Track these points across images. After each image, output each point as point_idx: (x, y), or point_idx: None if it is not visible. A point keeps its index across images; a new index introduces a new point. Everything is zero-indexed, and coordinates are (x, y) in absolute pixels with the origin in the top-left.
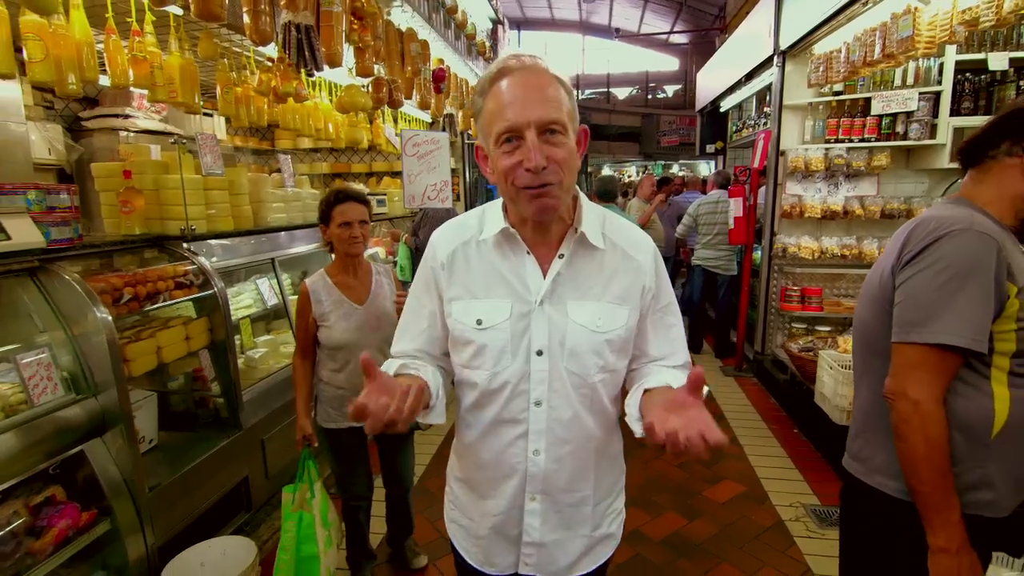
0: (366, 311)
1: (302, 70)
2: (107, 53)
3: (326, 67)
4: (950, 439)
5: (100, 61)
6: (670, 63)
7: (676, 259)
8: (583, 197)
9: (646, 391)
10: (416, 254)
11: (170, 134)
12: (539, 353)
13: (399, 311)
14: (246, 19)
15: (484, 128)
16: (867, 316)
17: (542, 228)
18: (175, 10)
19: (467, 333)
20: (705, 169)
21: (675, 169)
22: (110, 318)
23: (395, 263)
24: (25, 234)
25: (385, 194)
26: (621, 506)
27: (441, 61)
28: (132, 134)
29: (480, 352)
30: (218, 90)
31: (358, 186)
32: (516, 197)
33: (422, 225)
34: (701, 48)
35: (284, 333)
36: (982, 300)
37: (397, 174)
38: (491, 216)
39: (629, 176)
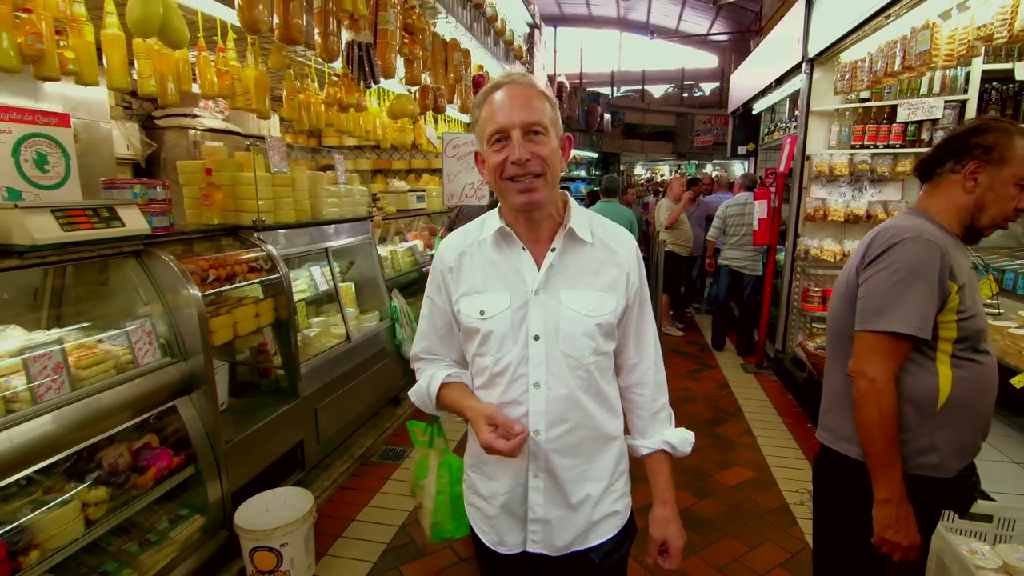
0: None
1: (361, 83)
2: (198, 67)
3: (382, 79)
4: (902, 411)
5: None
6: (708, 60)
7: (703, 258)
8: (572, 200)
9: (645, 456)
10: None
11: (232, 132)
12: (536, 338)
13: None
14: (317, 39)
15: (479, 133)
16: (837, 309)
17: (533, 224)
18: (230, 17)
19: (473, 323)
20: (740, 170)
21: (708, 169)
22: (199, 295)
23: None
24: (135, 222)
25: (424, 190)
26: (624, 487)
27: (481, 67)
28: (199, 132)
29: (486, 339)
30: (284, 96)
31: (399, 183)
32: (505, 191)
33: (457, 220)
34: (740, 46)
35: (334, 316)
36: (928, 296)
37: (435, 171)
38: (489, 220)
39: (662, 175)
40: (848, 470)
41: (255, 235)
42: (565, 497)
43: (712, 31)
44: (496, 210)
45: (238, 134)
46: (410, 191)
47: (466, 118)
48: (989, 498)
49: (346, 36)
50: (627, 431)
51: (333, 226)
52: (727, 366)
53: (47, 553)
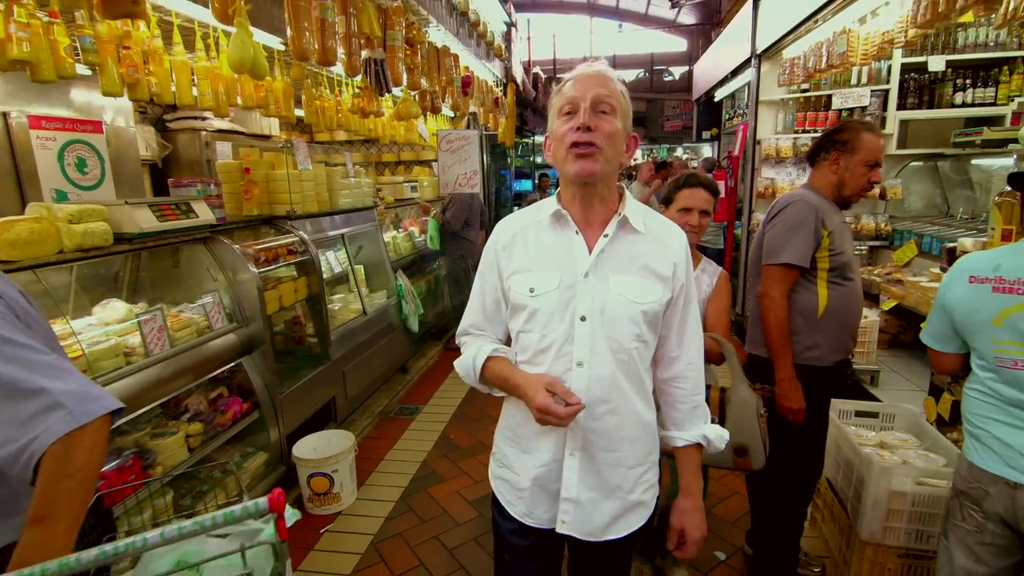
0: None
1: (375, 93)
2: (240, 83)
3: (394, 88)
4: (794, 320)
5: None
6: (678, 44)
7: None
8: (629, 194)
9: (676, 449)
10: (443, 229)
11: (238, 132)
12: (583, 319)
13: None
14: (342, 57)
15: (552, 113)
16: (755, 254)
17: (588, 204)
18: (278, 46)
19: (523, 299)
20: (708, 152)
21: (679, 152)
22: (257, 272)
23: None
24: (204, 213)
25: (416, 181)
26: (654, 479)
27: (467, 69)
28: (208, 133)
29: (533, 316)
30: (303, 101)
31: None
32: (564, 159)
33: (450, 206)
34: (708, 30)
35: (349, 294)
36: (807, 240)
37: (424, 162)
38: (547, 204)
39: (635, 159)
40: (761, 365)
41: (289, 223)
42: (599, 479)
43: (677, 21)
44: (555, 195)
45: (243, 133)
46: (405, 182)
47: (450, 112)
48: (877, 399)
49: (364, 54)
50: (660, 424)
51: (347, 215)
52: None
53: (166, 469)
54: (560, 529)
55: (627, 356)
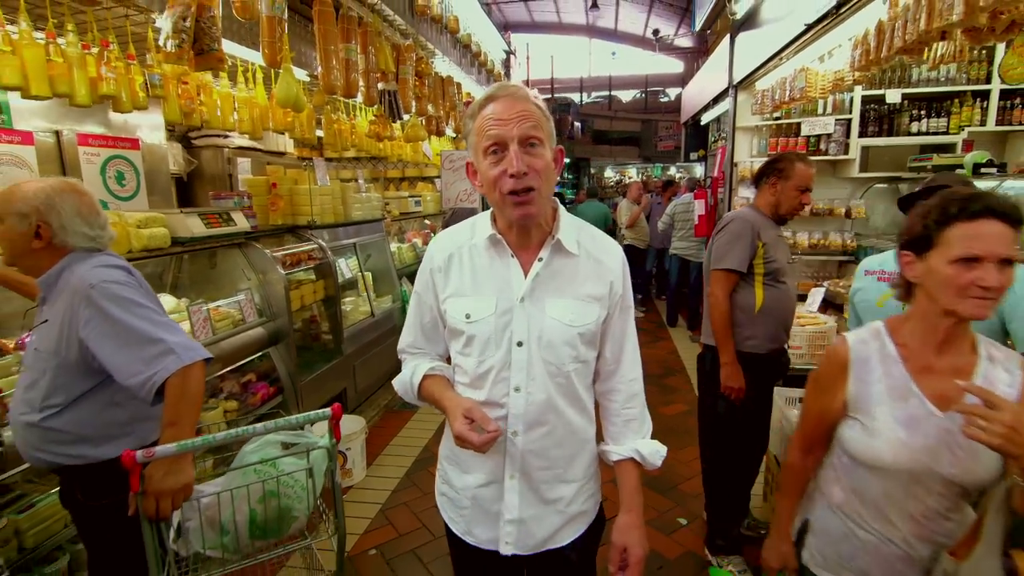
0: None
1: (388, 120)
2: (271, 110)
3: (405, 115)
4: (736, 314)
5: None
6: (675, 65)
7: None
8: (562, 209)
9: (615, 463)
10: None
11: (256, 149)
12: (519, 344)
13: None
14: (362, 89)
15: (474, 145)
16: (706, 261)
17: (524, 233)
18: (304, 77)
19: (459, 325)
20: (700, 172)
21: (672, 171)
22: (284, 274)
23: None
24: (241, 221)
25: (420, 196)
26: (595, 487)
27: (469, 95)
28: (229, 149)
29: (469, 342)
30: (323, 124)
31: (371, 195)
32: (502, 204)
33: (452, 220)
34: (702, 53)
35: (358, 298)
36: (744, 249)
37: (426, 179)
38: (481, 225)
39: (630, 177)
40: (711, 352)
41: (309, 232)
42: (539, 496)
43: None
44: (488, 215)
45: (260, 150)
46: (409, 196)
47: (452, 132)
48: None
49: (380, 86)
50: (600, 437)
51: (358, 226)
52: (678, 338)
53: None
54: (504, 551)
55: (565, 379)
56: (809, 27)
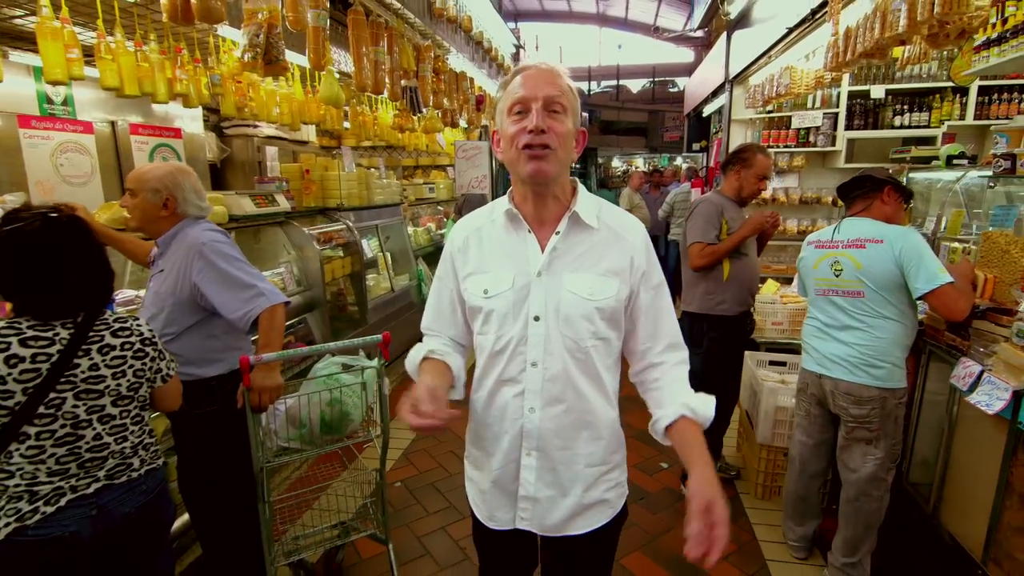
0: None
1: (410, 113)
2: (306, 105)
3: (424, 109)
4: (707, 283)
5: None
6: (685, 55)
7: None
8: (582, 188)
9: (667, 428)
10: None
11: (282, 138)
12: (536, 319)
13: None
14: (387, 85)
15: (501, 109)
16: (682, 239)
17: (540, 203)
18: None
19: (477, 301)
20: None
21: (679, 161)
22: (319, 249)
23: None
24: (283, 203)
25: (434, 183)
26: (620, 477)
27: (480, 88)
28: (259, 138)
29: (488, 318)
30: (349, 116)
31: (391, 181)
32: (517, 160)
33: (464, 205)
34: (712, 43)
35: (379, 275)
36: (710, 227)
37: (439, 167)
38: (499, 204)
39: (636, 167)
40: (692, 319)
41: (338, 213)
42: (556, 477)
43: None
44: (507, 194)
45: (286, 139)
46: (424, 183)
47: (464, 124)
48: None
49: (402, 83)
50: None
51: (379, 209)
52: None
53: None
54: (519, 525)
55: (584, 355)
56: (790, 30)
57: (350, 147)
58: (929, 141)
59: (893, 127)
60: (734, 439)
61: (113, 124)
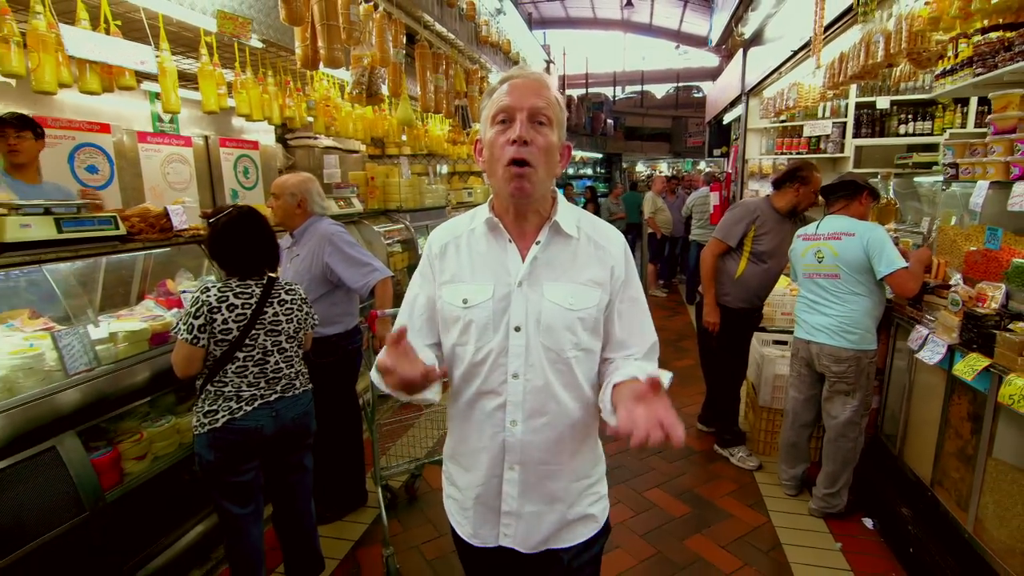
0: None
1: (461, 128)
2: (375, 122)
3: (473, 124)
4: (721, 276)
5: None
6: (711, 60)
7: (685, 238)
8: (561, 197)
9: (615, 385)
10: None
11: (338, 148)
12: (517, 329)
13: None
14: (444, 107)
15: (485, 118)
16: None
17: (521, 216)
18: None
19: (455, 312)
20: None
21: (702, 165)
22: (385, 243)
23: None
24: (356, 205)
25: (471, 188)
26: (602, 491)
27: None
28: (319, 149)
29: (467, 328)
30: (407, 131)
31: (439, 187)
32: (500, 175)
33: None
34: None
35: None
36: (738, 229)
37: (475, 173)
38: (479, 212)
39: (660, 172)
40: (701, 300)
41: (398, 214)
42: (540, 491)
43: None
44: (487, 202)
45: (341, 149)
46: (463, 188)
47: None
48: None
49: (456, 102)
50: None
51: (429, 211)
52: (694, 312)
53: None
54: (502, 542)
55: (565, 366)
56: (794, 52)
57: (406, 157)
58: (932, 148)
59: (898, 135)
60: (742, 411)
61: (206, 138)
